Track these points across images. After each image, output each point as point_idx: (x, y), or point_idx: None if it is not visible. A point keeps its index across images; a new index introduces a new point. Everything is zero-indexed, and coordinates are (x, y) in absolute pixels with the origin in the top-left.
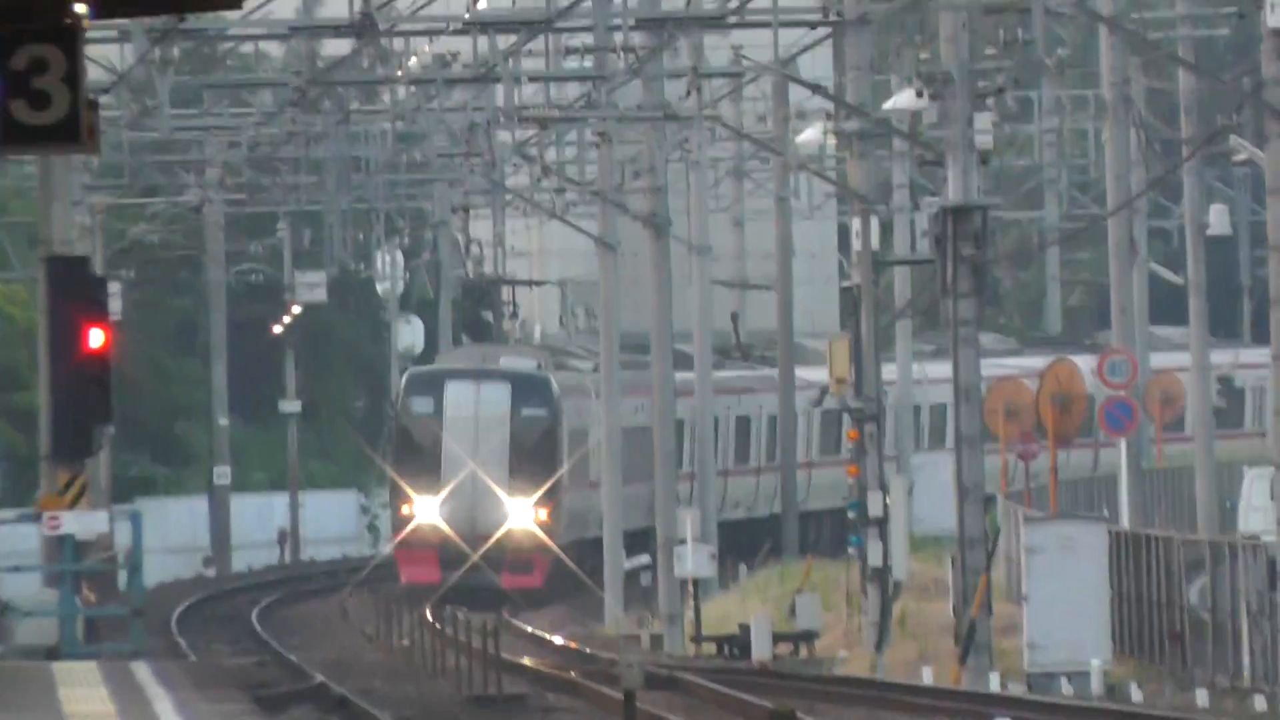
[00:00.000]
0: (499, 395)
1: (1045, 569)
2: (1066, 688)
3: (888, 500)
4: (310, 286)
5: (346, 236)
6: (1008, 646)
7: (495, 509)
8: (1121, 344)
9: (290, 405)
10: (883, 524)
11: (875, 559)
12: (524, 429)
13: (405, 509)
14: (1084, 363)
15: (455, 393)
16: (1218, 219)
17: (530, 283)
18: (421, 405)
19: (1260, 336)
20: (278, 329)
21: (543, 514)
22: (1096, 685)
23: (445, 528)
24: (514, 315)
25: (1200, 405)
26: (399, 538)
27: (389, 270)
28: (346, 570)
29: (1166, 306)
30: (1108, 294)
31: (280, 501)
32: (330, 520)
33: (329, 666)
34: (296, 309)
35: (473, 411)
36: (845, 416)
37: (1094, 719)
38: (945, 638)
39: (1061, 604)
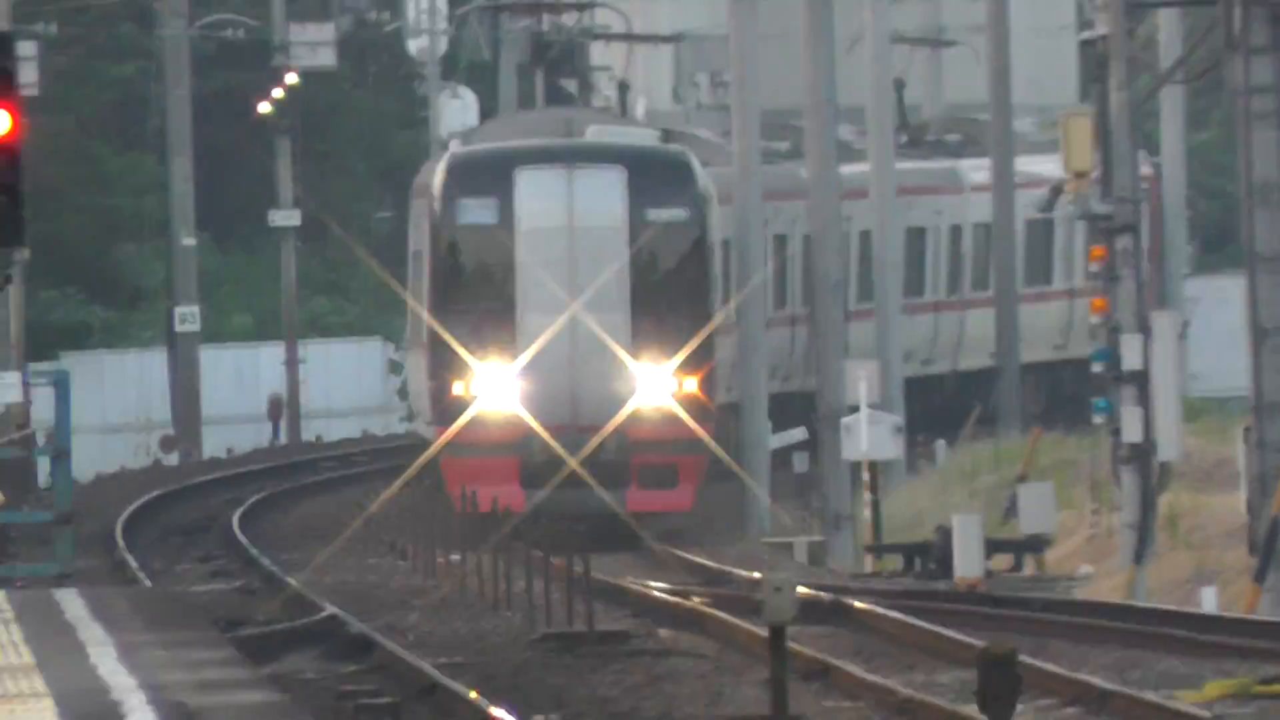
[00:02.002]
0: (608, 188)
1: None
2: None
3: (1150, 347)
4: (312, 46)
5: None
6: None
7: (612, 381)
8: None
9: (285, 217)
10: (1143, 381)
11: (1133, 432)
12: (655, 243)
13: (456, 385)
14: None
15: (533, 186)
16: None
17: (631, 37)
18: (476, 211)
19: None
20: (265, 108)
21: (690, 385)
22: None
23: (527, 416)
24: (611, 84)
25: None
26: (447, 435)
27: (425, 21)
28: (368, 454)
29: None
30: None
31: (272, 355)
32: (345, 382)
33: (343, 594)
34: (292, 79)
35: (565, 217)
36: (1081, 225)
37: None
38: (1235, 546)
39: None
